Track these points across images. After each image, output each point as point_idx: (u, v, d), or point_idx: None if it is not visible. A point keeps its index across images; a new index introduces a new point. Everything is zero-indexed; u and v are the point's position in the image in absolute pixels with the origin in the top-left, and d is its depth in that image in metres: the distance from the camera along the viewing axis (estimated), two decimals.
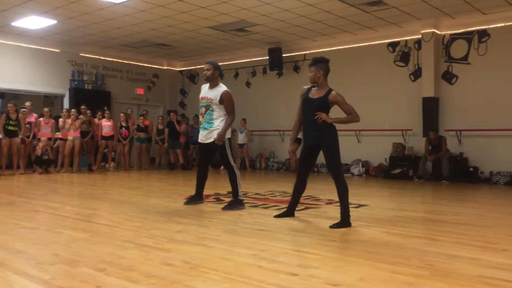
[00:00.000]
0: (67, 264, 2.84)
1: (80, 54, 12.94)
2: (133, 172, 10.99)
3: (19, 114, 9.73)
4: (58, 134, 10.63)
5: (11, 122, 9.52)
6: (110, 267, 2.76)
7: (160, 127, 12.42)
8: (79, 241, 3.53)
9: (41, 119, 10.36)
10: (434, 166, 9.67)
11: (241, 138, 12.32)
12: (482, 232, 4.08)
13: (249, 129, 12.49)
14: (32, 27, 10.64)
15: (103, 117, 11.39)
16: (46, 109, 10.56)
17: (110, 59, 13.65)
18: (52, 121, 10.49)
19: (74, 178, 9.36)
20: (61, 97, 12.80)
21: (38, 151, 9.79)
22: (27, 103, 10.38)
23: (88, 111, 11.08)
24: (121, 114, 11.74)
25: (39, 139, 10.06)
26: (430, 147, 9.62)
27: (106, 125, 11.24)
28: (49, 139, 10.23)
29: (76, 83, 12.76)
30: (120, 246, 3.32)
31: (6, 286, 2.45)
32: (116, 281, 2.51)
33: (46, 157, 9.90)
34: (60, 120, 10.59)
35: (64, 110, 11.14)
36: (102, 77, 13.44)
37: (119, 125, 11.53)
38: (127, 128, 11.57)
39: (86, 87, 12.97)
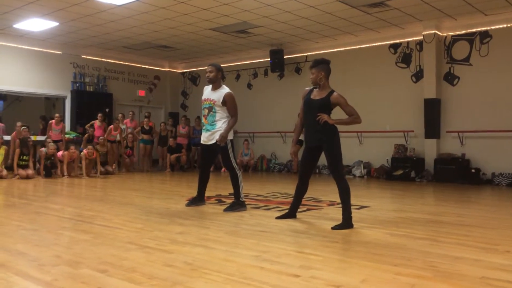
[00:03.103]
0: (68, 266, 2.83)
1: (82, 56, 12.96)
2: (135, 174, 10.99)
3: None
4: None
5: (24, 158, 9.46)
6: (112, 269, 2.76)
7: (164, 133, 12.40)
8: (80, 242, 3.53)
9: (53, 121, 10.85)
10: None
11: (245, 159, 12.33)
12: (484, 233, 4.07)
13: (253, 150, 12.61)
14: (34, 29, 10.67)
15: (103, 119, 11.45)
16: (57, 115, 11.07)
17: (112, 61, 13.67)
18: (62, 124, 11.03)
19: (76, 180, 9.36)
20: (63, 99, 12.82)
21: (42, 159, 9.69)
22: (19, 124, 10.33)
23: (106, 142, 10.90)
24: (129, 136, 11.62)
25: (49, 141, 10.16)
26: None
27: (114, 134, 11.32)
28: (59, 141, 10.54)
29: (77, 85, 12.78)
30: (122, 248, 3.32)
31: (8, 287, 2.45)
32: (118, 282, 2.51)
33: (50, 162, 9.78)
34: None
35: (56, 116, 11.08)
36: (103, 79, 13.46)
37: (124, 141, 11.54)
38: (131, 148, 11.63)
39: (87, 89, 12.99)
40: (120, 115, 11.95)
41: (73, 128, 12.38)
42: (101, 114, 11.54)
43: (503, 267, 2.89)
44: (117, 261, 2.93)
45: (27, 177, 9.24)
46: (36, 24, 10.23)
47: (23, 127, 9.96)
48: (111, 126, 11.32)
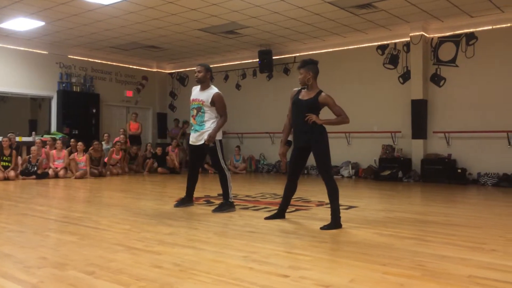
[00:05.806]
0: (55, 268, 2.80)
1: (69, 56, 12.83)
2: (124, 176, 10.90)
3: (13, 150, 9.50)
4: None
5: (4, 158, 9.30)
6: (99, 270, 2.73)
7: (149, 155, 12.03)
8: (67, 244, 3.48)
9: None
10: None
11: (238, 166, 12.25)
12: (471, 232, 4.11)
13: (244, 156, 12.51)
14: (20, 28, 10.52)
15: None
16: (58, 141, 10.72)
17: (99, 61, 13.55)
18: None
19: (62, 181, 9.26)
20: (49, 99, 12.68)
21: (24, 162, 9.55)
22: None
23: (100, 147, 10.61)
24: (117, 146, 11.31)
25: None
26: None
27: (115, 158, 11.01)
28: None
29: (64, 85, 12.65)
30: (110, 249, 3.28)
31: None
32: (106, 284, 2.48)
33: (35, 169, 9.59)
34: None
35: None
36: (90, 79, 13.33)
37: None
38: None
39: (74, 89, 12.86)
40: (106, 135, 11.72)
41: (59, 129, 12.24)
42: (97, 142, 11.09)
43: (490, 266, 2.92)
44: (104, 263, 2.90)
45: (8, 179, 9.05)
46: (22, 23, 10.09)
47: (9, 134, 9.76)
48: (113, 149, 10.98)
